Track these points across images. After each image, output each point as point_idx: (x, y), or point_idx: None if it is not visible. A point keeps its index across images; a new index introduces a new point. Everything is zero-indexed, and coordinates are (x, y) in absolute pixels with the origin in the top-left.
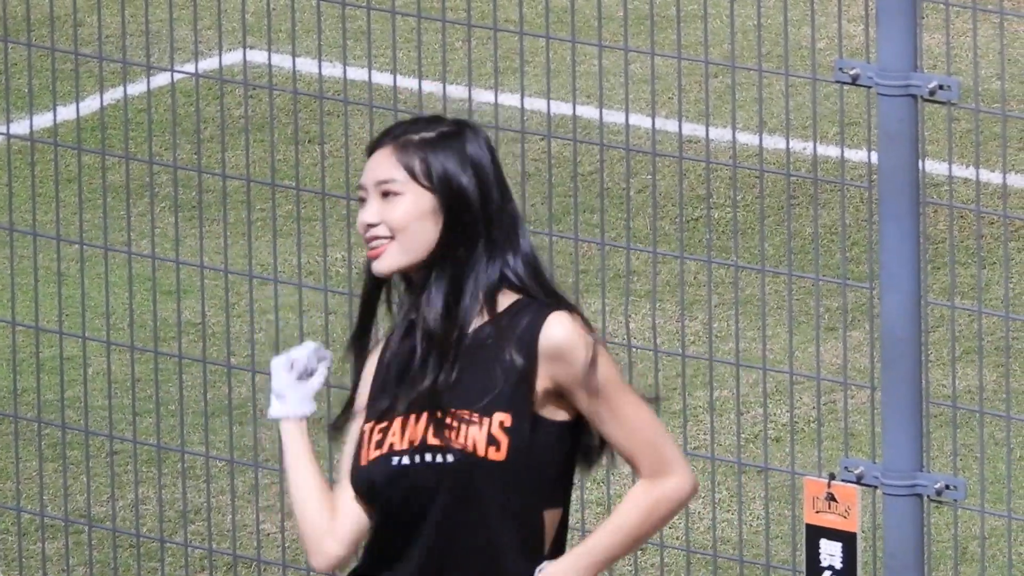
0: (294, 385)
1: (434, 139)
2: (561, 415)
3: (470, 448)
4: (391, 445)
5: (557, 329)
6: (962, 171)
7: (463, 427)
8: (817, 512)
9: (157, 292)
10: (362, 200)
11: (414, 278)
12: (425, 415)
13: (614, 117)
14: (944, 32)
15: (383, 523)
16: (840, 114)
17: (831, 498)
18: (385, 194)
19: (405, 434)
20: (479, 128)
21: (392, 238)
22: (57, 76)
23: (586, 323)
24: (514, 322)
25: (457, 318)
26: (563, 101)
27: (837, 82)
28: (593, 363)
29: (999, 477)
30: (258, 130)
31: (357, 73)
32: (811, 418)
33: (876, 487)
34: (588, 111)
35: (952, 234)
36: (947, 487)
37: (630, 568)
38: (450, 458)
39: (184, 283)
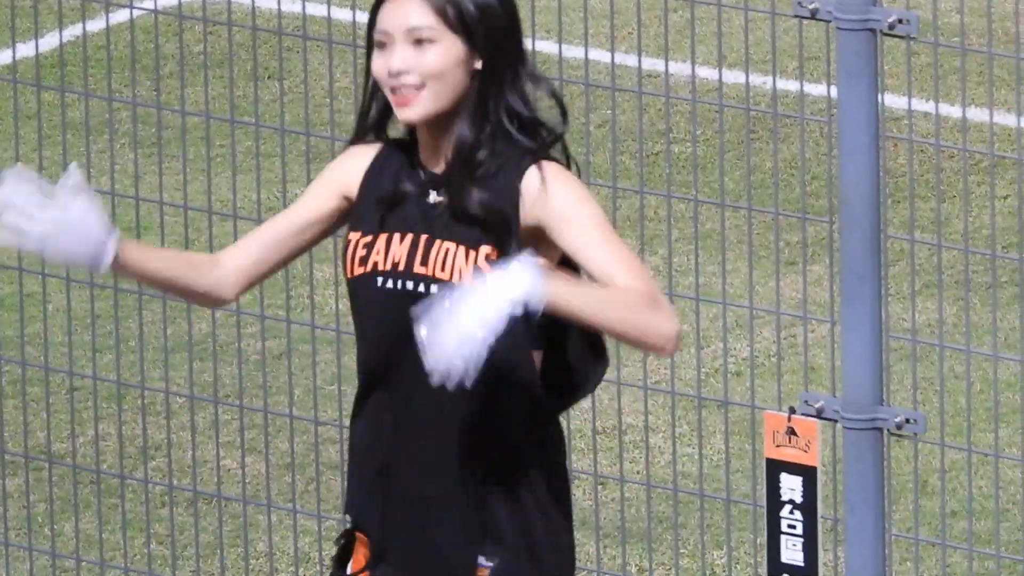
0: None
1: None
2: (549, 252)
3: (456, 281)
4: (375, 264)
5: (539, 170)
6: (922, 105)
7: (448, 258)
8: (777, 446)
9: (117, 228)
10: (381, 45)
11: (434, 121)
12: (410, 237)
13: (573, 52)
14: None
15: (370, 341)
16: (799, 48)
17: (791, 432)
18: (417, 41)
19: (388, 254)
20: None
21: (422, 86)
22: (16, 13)
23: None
24: (503, 164)
25: (471, 154)
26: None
27: (796, 16)
28: (578, 199)
29: (959, 411)
30: (217, 66)
31: (316, 8)
32: (771, 352)
33: (836, 421)
34: (547, 46)
35: (912, 168)
36: (907, 421)
37: (590, 503)
38: (434, 288)
39: (143, 220)
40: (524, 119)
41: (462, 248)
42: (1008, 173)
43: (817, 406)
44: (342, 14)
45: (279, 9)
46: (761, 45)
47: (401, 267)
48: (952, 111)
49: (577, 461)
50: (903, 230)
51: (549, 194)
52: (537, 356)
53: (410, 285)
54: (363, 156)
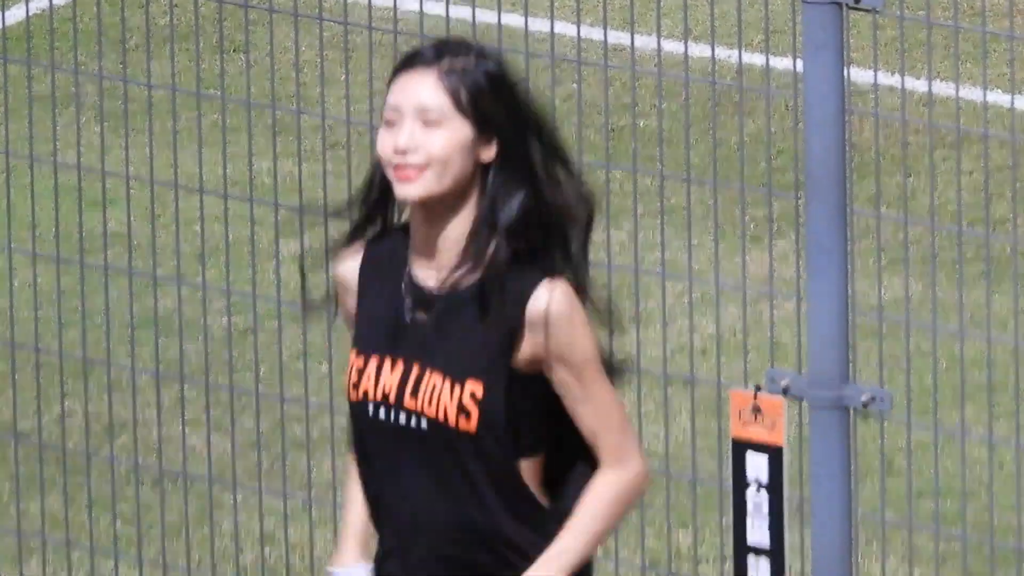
0: None
1: (475, 66)
2: (536, 369)
3: (441, 418)
4: (365, 392)
5: (546, 300)
6: (887, 79)
7: (435, 393)
8: (743, 425)
9: (83, 203)
10: (390, 123)
11: (429, 207)
12: (400, 365)
13: (539, 25)
14: None
15: (370, 465)
16: (765, 22)
17: (757, 410)
18: (426, 122)
19: (380, 383)
20: (500, 58)
21: (426, 167)
22: None
23: (578, 286)
24: (505, 283)
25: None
26: (488, 9)
27: None
28: (576, 340)
29: (925, 389)
30: (183, 39)
31: None
32: (737, 329)
33: (802, 399)
34: (513, 19)
35: (877, 143)
36: (873, 399)
37: None
38: (424, 425)
39: (110, 193)
40: (536, 221)
41: (448, 382)
42: (974, 148)
43: (783, 384)
44: None
45: None
46: (727, 18)
47: (392, 399)
48: (918, 85)
49: None
50: (869, 205)
51: (550, 331)
52: (527, 465)
53: (402, 419)
54: (351, 261)
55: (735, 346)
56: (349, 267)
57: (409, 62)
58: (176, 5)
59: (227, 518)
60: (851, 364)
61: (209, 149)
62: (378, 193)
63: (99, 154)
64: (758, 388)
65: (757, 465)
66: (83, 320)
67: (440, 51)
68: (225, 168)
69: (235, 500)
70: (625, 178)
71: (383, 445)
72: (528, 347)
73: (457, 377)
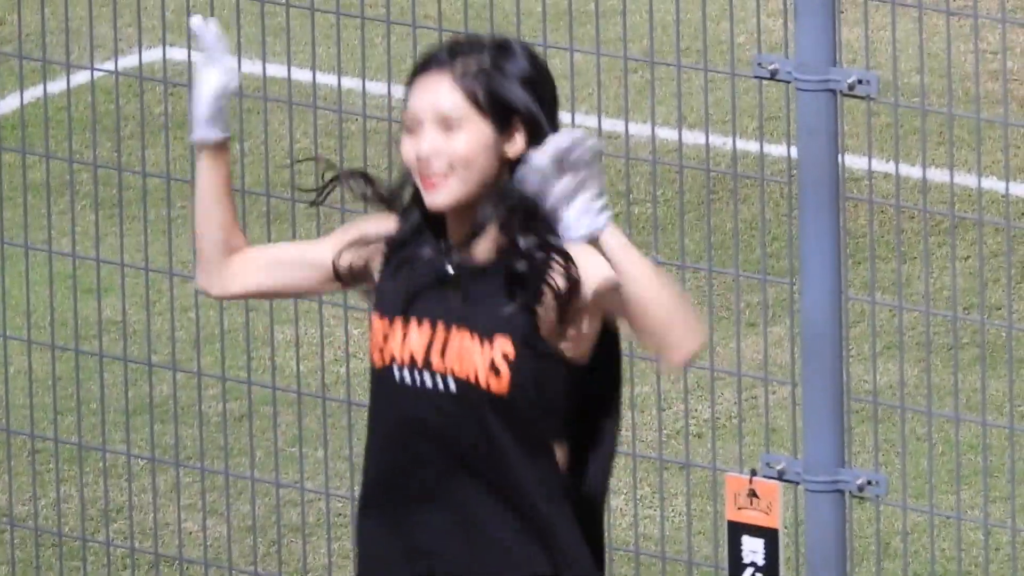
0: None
1: (492, 65)
2: (575, 356)
3: (472, 379)
4: (392, 356)
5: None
6: (882, 166)
7: (465, 353)
8: (739, 508)
9: (78, 290)
10: (411, 129)
11: (463, 207)
12: (427, 324)
13: None
14: (863, 26)
15: (386, 433)
16: (759, 109)
17: (753, 494)
18: (446, 126)
19: (407, 343)
20: (524, 44)
21: (451, 172)
22: None
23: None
24: (529, 256)
25: (504, 243)
26: None
27: (756, 77)
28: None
29: (921, 473)
30: (178, 127)
31: (276, 70)
32: (732, 414)
33: (798, 483)
34: None
35: (872, 229)
36: (869, 483)
37: None
38: (452, 386)
39: (105, 281)
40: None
41: (477, 340)
42: (969, 234)
43: (779, 468)
44: (302, 75)
45: (239, 70)
46: (721, 105)
47: (420, 360)
48: (912, 171)
49: None
50: (864, 291)
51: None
52: (560, 450)
53: (428, 381)
54: (386, 224)
55: (731, 430)
56: (382, 227)
57: (424, 65)
58: (171, 93)
59: None
60: (846, 448)
61: None
62: (411, 194)
63: (94, 242)
64: (754, 472)
65: (753, 548)
66: (78, 406)
67: (454, 51)
68: None
69: None
70: None
71: (406, 410)
72: (548, 318)
73: (487, 334)
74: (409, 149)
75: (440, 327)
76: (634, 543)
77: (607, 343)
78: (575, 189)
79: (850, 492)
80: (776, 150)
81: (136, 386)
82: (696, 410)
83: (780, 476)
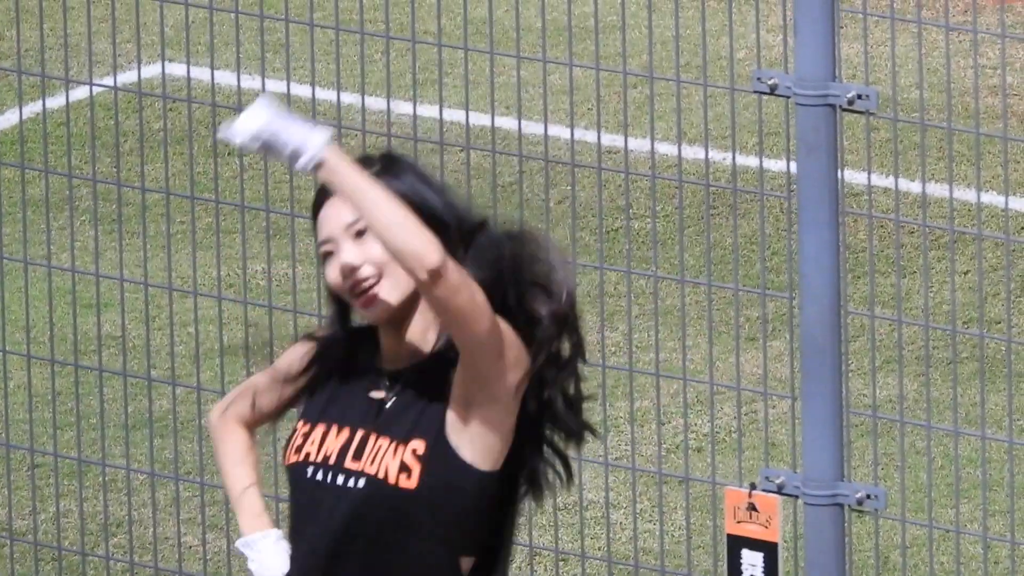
0: None
1: (380, 173)
2: (485, 462)
3: (381, 475)
4: (307, 455)
5: None
6: (881, 180)
7: (379, 453)
8: (738, 522)
9: (77, 305)
10: (328, 254)
11: (399, 315)
12: (347, 431)
13: (533, 128)
14: (862, 42)
15: (295, 528)
16: (759, 124)
17: (752, 508)
18: (359, 234)
19: (323, 447)
20: (402, 156)
21: (380, 277)
22: None
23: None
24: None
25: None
26: (482, 112)
27: (756, 92)
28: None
29: (920, 486)
30: (177, 143)
31: (276, 85)
32: (732, 428)
33: (797, 496)
34: (507, 122)
35: (872, 244)
36: (868, 496)
37: None
38: (361, 483)
39: (104, 296)
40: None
41: (392, 444)
42: (968, 249)
43: (778, 481)
44: (302, 90)
45: (239, 86)
46: (720, 121)
47: (332, 460)
48: (912, 186)
49: (539, 537)
50: (863, 306)
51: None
52: (466, 563)
53: (340, 479)
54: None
55: (730, 444)
56: (304, 349)
57: (320, 196)
58: (170, 109)
59: None
60: (846, 462)
61: (203, 252)
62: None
63: (93, 257)
64: (753, 486)
65: (752, 562)
66: (78, 421)
67: None
68: (219, 270)
69: None
70: (619, 279)
71: (317, 512)
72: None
73: (401, 439)
74: (332, 271)
75: (360, 433)
76: (634, 557)
77: (517, 455)
78: (281, 141)
79: (849, 506)
80: (776, 165)
81: (136, 401)
82: (696, 424)
83: (779, 490)
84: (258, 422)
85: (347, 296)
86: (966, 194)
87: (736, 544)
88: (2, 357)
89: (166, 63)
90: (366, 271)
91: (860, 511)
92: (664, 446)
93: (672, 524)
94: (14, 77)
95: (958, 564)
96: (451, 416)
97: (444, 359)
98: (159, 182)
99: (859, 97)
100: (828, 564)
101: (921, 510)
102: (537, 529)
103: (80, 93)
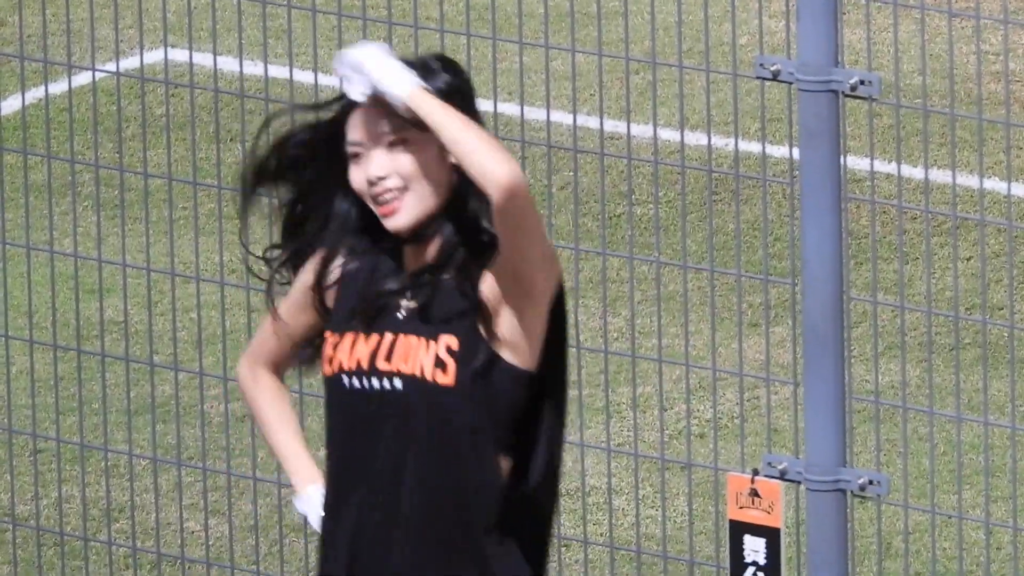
0: None
1: (425, 81)
2: (520, 360)
3: (418, 373)
4: (339, 364)
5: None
6: (884, 167)
7: (411, 351)
8: (741, 508)
9: (80, 291)
10: (356, 156)
11: (421, 227)
12: (375, 336)
13: (535, 114)
14: (865, 28)
15: (339, 440)
16: (761, 110)
17: (754, 494)
18: (391, 144)
19: (354, 352)
20: (448, 60)
21: (405, 189)
22: None
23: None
24: (466, 262)
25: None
26: (484, 98)
27: (758, 78)
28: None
29: (922, 472)
30: (180, 128)
31: (278, 71)
32: (734, 414)
33: (799, 482)
34: (510, 108)
35: (874, 230)
36: (870, 482)
37: (554, 564)
38: (398, 383)
39: (107, 281)
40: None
41: (422, 341)
42: (971, 235)
43: (780, 467)
44: (304, 76)
45: (241, 71)
46: (723, 107)
47: (366, 365)
48: (914, 172)
49: None
50: (866, 292)
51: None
52: (505, 462)
53: (375, 383)
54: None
55: (732, 430)
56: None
57: (348, 99)
58: (172, 94)
59: None
60: (848, 448)
61: (206, 237)
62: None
63: (96, 242)
64: (755, 472)
65: (755, 548)
66: (80, 406)
67: None
68: (222, 256)
69: None
70: (622, 265)
71: (355, 415)
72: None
73: (431, 335)
74: (358, 175)
75: (387, 335)
76: (636, 543)
77: (553, 354)
78: (376, 72)
79: (852, 492)
80: (778, 151)
81: (138, 386)
82: (698, 410)
83: (782, 476)
84: (288, 355)
85: (369, 202)
86: (969, 180)
87: (738, 530)
88: (5, 342)
89: (168, 49)
90: (392, 182)
91: (862, 497)
92: (666, 432)
93: (674, 510)
94: (16, 62)
95: (960, 550)
96: (485, 312)
97: (469, 257)
98: (161, 168)
99: (861, 83)
100: (830, 550)
101: (923, 496)
102: None
103: (82, 79)
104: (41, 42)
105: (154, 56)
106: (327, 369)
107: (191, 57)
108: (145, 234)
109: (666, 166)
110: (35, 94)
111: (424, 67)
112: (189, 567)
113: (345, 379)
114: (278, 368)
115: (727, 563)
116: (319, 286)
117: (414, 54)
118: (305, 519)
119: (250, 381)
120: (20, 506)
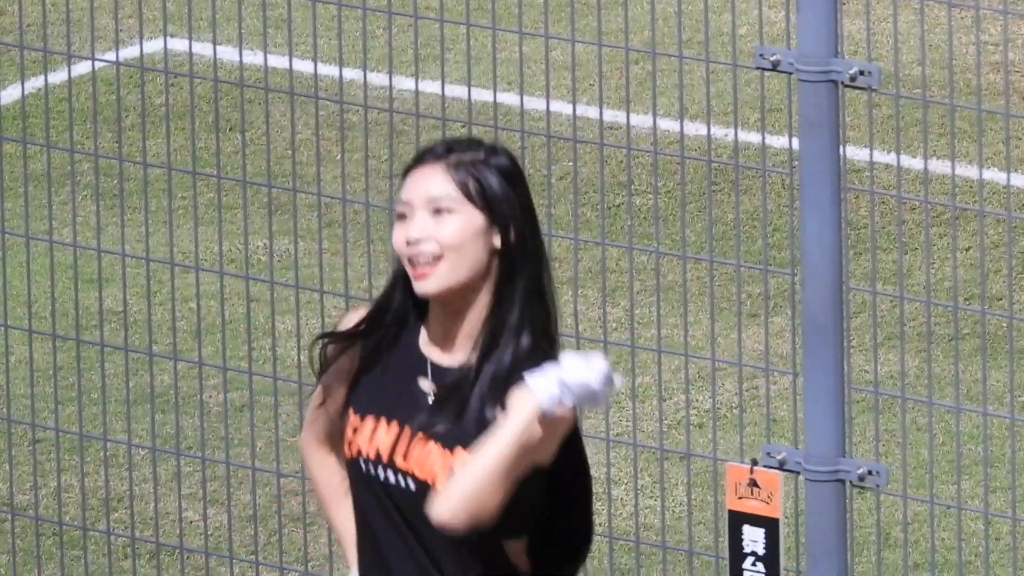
0: None
1: (484, 160)
2: (536, 460)
3: (430, 480)
4: (359, 450)
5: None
6: (883, 157)
7: (427, 457)
8: (739, 498)
9: (79, 280)
10: (402, 216)
11: (447, 299)
12: (395, 426)
13: (535, 104)
14: (865, 18)
15: (363, 519)
16: (761, 100)
17: (753, 484)
18: (437, 211)
19: (373, 441)
20: (513, 154)
21: (440, 257)
22: None
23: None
24: (508, 368)
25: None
26: (484, 88)
27: (758, 68)
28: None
29: (921, 463)
30: (179, 118)
31: (278, 61)
32: (733, 404)
33: (798, 473)
34: (509, 98)
35: (873, 220)
36: (869, 472)
37: None
38: (412, 485)
39: (106, 271)
40: (539, 311)
41: (439, 448)
42: (970, 225)
43: (779, 458)
44: (304, 66)
45: (240, 61)
46: (723, 97)
47: (385, 458)
48: (914, 163)
49: None
50: (865, 282)
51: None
52: (516, 545)
53: (391, 478)
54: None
55: (731, 420)
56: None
57: (420, 158)
58: (172, 84)
59: None
60: (847, 438)
61: (205, 227)
62: (402, 291)
63: (95, 232)
64: (755, 462)
65: (754, 538)
66: (79, 396)
67: (450, 146)
68: (221, 246)
69: (232, 573)
70: (621, 255)
71: (374, 503)
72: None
73: (449, 445)
74: (400, 236)
75: (408, 431)
76: (635, 533)
77: (569, 443)
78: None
79: (851, 482)
80: (777, 141)
81: (137, 376)
82: (697, 400)
83: (781, 466)
84: (337, 432)
85: (405, 263)
86: (968, 171)
87: (737, 520)
88: (4, 332)
89: (168, 38)
90: (428, 246)
91: (861, 487)
92: (665, 422)
93: (673, 500)
94: (16, 52)
95: (959, 540)
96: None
97: (493, 363)
98: (161, 157)
99: (861, 73)
100: (829, 540)
101: (922, 486)
102: None
103: (82, 68)
104: (41, 31)
105: (154, 45)
106: (347, 451)
107: (191, 47)
108: (144, 224)
109: (665, 156)
110: (34, 83)
111: (491, 149)
112: (188, 557)
113: (363, 464)
114: (333, 439)
115: (726, 553)
116: (353, 367)
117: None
118: None
119: (308, 448)
120: (19, 496)
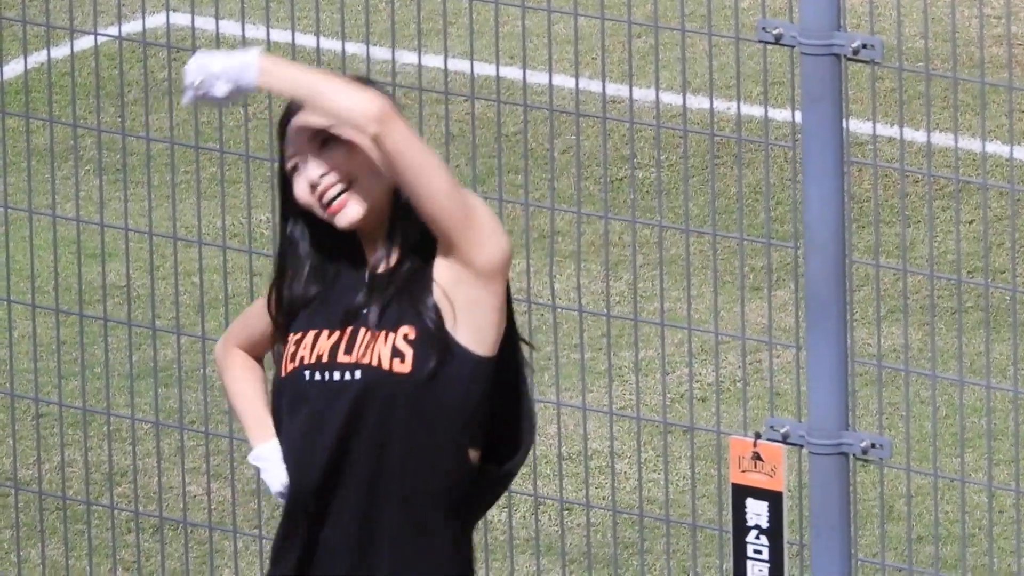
0: None
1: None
2: (479, 346)
3: (375, 362)
4: (301, 359)
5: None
6: (886, 130)
7: (369, 345)
8: (743, 471)
9: (82, 255)
10: (295, 169)
11: (372, 220)
12: (336, 332)
13: (538, 78)
14: None
15: (298, 436)
16: (763, 74)
17: (757, 457)
18: (324, 143)
19: (315, 348)
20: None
21: (348, 185)
22: None
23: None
24: (421, 258)
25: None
26: (486, 62)
27: (760, 42)
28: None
29: (925, 436)
30: (181, 92)
31: (281, 35)
32: (736, 378)
33: (802, 446)
34: (512, 72)
35: (876, 193)
36: (873, 446)
37: (556, 528)
38: (357, 375)
39: (109, 246)
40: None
41: (382, 334)
42: (973, 198)
43: (783, 431)
44: (306, 40)
45: (243, 35)
46: (725, 70)
47: (326, 359)
48: (917, 136)
49: (543, 487)
50: (868, 255)
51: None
52: (473, 454)
53: (336, 375)
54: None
55: (735, 394)
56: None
57: (288, 111)
58: (174, 58)
59: (228, 565)
60: (850, 412)
61: (208, 201)
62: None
63: (98, 207)
64: (758, 435)
65: (757, 511)
66: (83, 370)
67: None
68: (224, 220)
69: (235, 547)
70: (624, 229)
71: (319, 413)
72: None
73: (391, 327)
74: (300, 186)
75: (348, 330)
76: (639, 506)
77: (509, 342)
78: (219, 66)
79: (854, 455)
80: (780, 115)
81: (140, 350)
82: (700, 374)
83: (784, 439)
84: (259, 348)
85: (318, 210)
86: (971, 143)
87: (741, 493)
88: (7, 306)
89: (171, 12)
90: (331, 179)
91: (865, 460)
92: (669, 395)
93: (677, 474)
94: (18, 27)
95: (963, 513)
96: (439, 297)
97: (423, 252)
98: (163, 132)
99: (864, 47)
100: (832, 513)
101: (926, 459)
102: (542, 479)
103: (85, 43)
104: (43, 6)
105: (156, 20)
106: (288, 366)
107: (193, 21)
108: (147, 198)
109: (668, 130)
110: (37, 58)
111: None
112: (191, 531)
113: (306, 373)
114: (254, 350)
115: (729, 527)
116: (280, 315)
117: (415, 19)
118: (258, 472)
119: (222, 352)
120: (22, 470)
